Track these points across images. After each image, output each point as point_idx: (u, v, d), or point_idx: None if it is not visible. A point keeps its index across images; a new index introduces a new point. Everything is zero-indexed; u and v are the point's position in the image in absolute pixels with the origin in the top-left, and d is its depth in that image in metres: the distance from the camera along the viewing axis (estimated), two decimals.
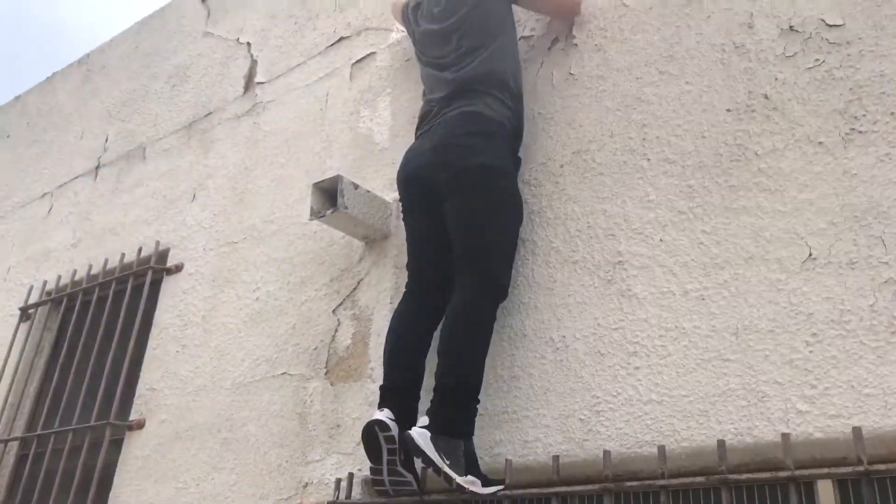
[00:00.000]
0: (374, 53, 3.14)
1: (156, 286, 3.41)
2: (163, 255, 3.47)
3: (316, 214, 2.53)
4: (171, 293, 3.34)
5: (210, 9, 4.14)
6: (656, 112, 2.23)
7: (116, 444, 3.14)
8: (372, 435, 2.01)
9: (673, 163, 2.14)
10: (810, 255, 1.83)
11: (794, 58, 2.04)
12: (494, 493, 1.92)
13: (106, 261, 3.65)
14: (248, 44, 3.75)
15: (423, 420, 1.98)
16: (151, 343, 3.29)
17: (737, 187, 2.01)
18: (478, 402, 2.07)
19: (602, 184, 2.24)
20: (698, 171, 2.09)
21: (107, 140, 4.30)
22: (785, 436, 1.65)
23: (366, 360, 2.51)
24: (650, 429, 1.89)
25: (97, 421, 3.19)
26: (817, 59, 2.00)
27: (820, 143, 1.92)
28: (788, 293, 1.82)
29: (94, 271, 3.70)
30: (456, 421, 1.99)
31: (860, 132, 1.87)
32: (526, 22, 2.66)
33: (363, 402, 2.44)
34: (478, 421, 2.09)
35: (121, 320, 3.37)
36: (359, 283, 2.68)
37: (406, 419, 2.03)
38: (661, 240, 2.07)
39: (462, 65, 2.38)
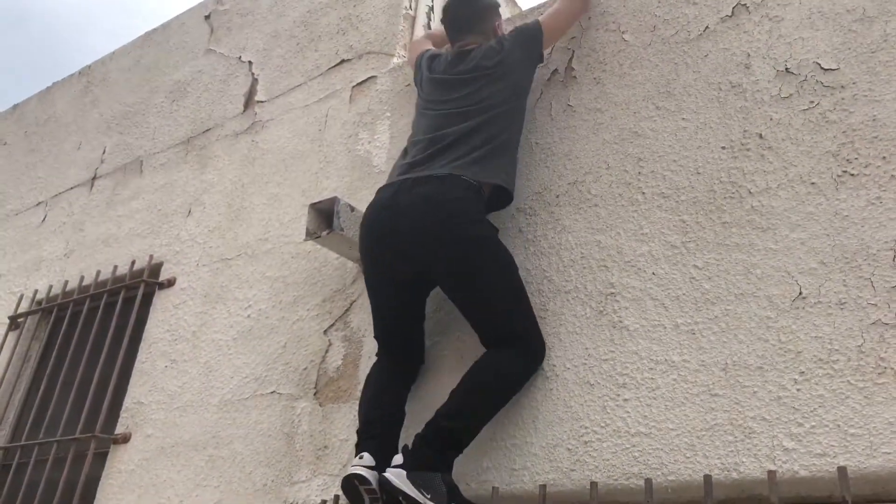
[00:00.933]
0: (374, 77, 3.17)
1: (147, 300, 3.40)
2: (155, 269, 3.47)
3: (311, 235, 2.54)
4: (163, 307, 3.33)
5: (213, 26, 4.17)
6: (652, 146, 2.26)
7: (101, 458, 3.12)
8: (352, 488, 2.00)
9: (667, 197, 2.16)
10: (800, 293, 1.85)
11: (789, 99, 2.08)
12: None
13: (98, 272, 3.65)
14: (250, 62, 3.78)
15: (397, 459, 1.96)
16: (140, 357, 3.28)
17: (730, 224, 2.03)
18: (460, 453, 2.02)
19: (597, 215, 2.26)
20: (692, 207, 2.11)
21: (104, 152, 4.31)
22: (771, 473, 1.66)
23: (355, 381, 2.51)
24: (637, 461, 1.90)
25: (82, 433, 3.17)
26: (812, 102, 2.04)
27: (812, 183, 1.95)
28: (778, 331, 1.84)
29: (85, 282, 3.69)
30: (434, 459, 1.95)
31: (852, 175, 1.90)
32: None
33: (351, 424, 2.44)
34: (466, 448, 2.09)
35: (110, 333, 3.36)
36: (351, 304, 2.68)
37: (387, 459, 2.00)
38: (653, 273, 2.09)
39: (468, 115, 2.29)
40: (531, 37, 2.45)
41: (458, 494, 1.96)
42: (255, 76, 3.69)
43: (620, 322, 2.08)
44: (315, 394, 2.60)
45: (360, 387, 2.49)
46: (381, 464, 1.99)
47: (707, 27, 2.32)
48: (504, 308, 2.11)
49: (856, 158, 1.91)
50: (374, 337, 2.33)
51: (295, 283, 2.90)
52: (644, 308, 2.06)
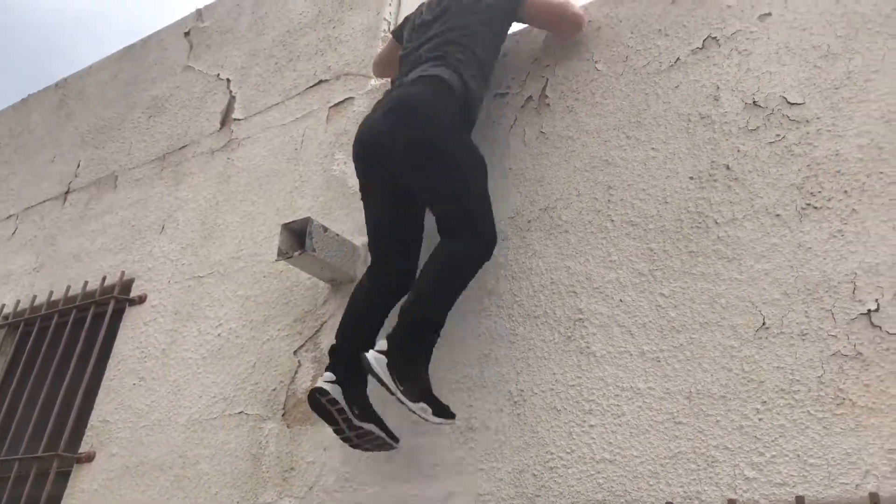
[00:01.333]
0: (351, 98, 3.19)
1: (117, 316, 3.37)
2: (127, 285, 3.44)
3: (283, 255, 2.54)
4: (133, 324, 3.30)
5: (193, 43, 4.17)
6: (622, 175, 2.29)
7: (64, 477, 3.07)
8: (317, 403, 2.10)
9: (636, 225, 2.19)
10: (764, 324, 1.87)
11: (756, 131, 2.12)
12: (442, 424, 2.03)
13: (68, 287, 3.61)
14: (228, 80, 3.78)
15: (382, 344, 2.04)
16: (108, 374, 3.24)
17: (696, 253, 2.06)
18: (437, 335, 2.13)
19: (567, 241, 2.29)
20: (660, 235, 2.14)
21: (78, 166, 4.28)
22: (732, 501, 1.68)
23: None
24: (602, 488, 1.91)
25: (45, 451, 3.12)
26: (778, 135, 2.08)
27: (777, 215, 1.98)
28: (741, 360, 1.86)
29: (54, 297, 3.65)
30: (413, 350, 2.05)
31: (815, 207, 1.93)
32: (501, 79, 2.72)
33: (318, 447, 2.42)
34: (432, 471, 2.09)
35: (78, 349, 3.32)
36: (322, 325, 2.68)
37: (355, 379, 2.13)
38: (620, 300, 2.11)
39: (438, 41, 2.42)
40: None
41: (430, 395, 2.03)
42: (233, 94, 3.69)
43: (588, 348, 2.10)
44: (283, 415, 2.58)
45: None
46: (346, 380, 2.12)
47: (678, 59, 2.36)
48: (459, 197, 2.22)
49: (819, 192, 1.95)
50: (367, 247, 2.42)
51: (266, 302, 2.89)
52: (611, 334, 2.08)
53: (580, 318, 2.15)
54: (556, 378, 2.11)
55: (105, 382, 3.23)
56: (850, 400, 1.70)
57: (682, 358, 1.95)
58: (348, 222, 2.84)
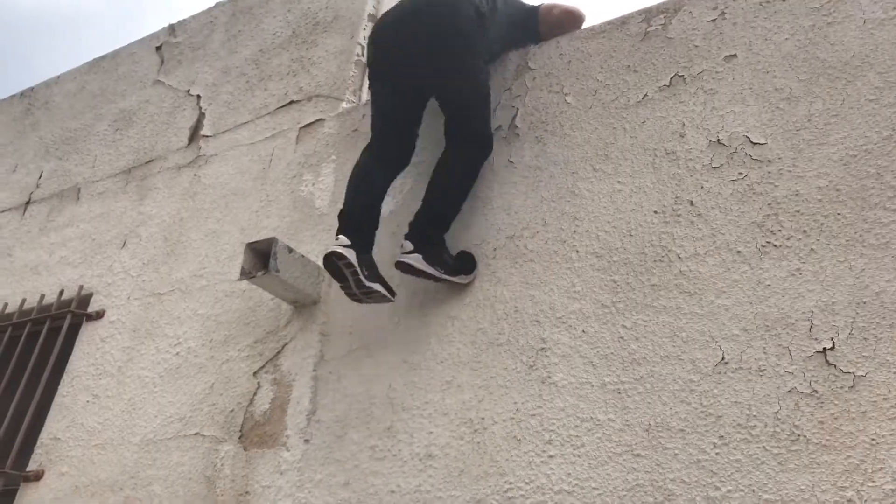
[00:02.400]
0: (322, 120, 3.19)
1: (73, 331, 3.30)
2: (84, 300, 3.37)
3: (246, 275, 2.51)
4: (89, 340, 3.23)
5: (164, 58, 4.15)
6: (588, 206, 2.31)
7: (9, 496, 2.98)
8: (331, 264, 2.28)
9: (600, 257, 2.21)
10: (723, 359, 1.90)
11: (719, 169, 2.16)
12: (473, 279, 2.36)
13: (23, 300, 3.53)
14: (198, 96, 3.76)
15: (407, 245, 2.33)
16: (62, 390, 3.16)
17: (658, 287, 2.08)
18: (447, 230, 2.43)
19: (532, 270, 2.30)
20: (623, 268, 2.16)
21: (41, 176, 4.20)
22: None
23: (282, 427, 2.47)
24: None
25: None
26: (740, 173, 2.12)
27: (738, 252, 2.02)
28: (700, 394, 1.88)
29: (9, 310, 3.56)
30: (436, 239, 2.37)
31: (775, 246, 1.97)
32: None
33: (275, 471, 2.39)
34: (390, 499, 2.07)
35: (31, 363, 3.23)
36: (283, 347, 2.65)
37: (363, 244, 2.35)
38: (583, 331, 2.12)
39: None
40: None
41: (453, 261, 2.38)
42: (203, 110, 3.67)
43: (549, 378, 2.10)
44: (240, 437, 2.54)
45: (287, 432, 2.46)
46: (357, 244, 2.31)
47: (646, 95, 2.41)
48: (475, 115, 2.48)
49: (779, 230, 1.99)
50: (370, 126, 2.59)
51: (227, 322, 2.85)
52: (573, 365, 2.09)
53: (543, 348, 2.15)
54: (517, 407, 2.10)
55: (57, 399, 3.15)
56: (805, 437, 1.72)
57: (643, 390, 1.96)
58: (314, 244, 2.82)
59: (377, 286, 2.32)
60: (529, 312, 2.23)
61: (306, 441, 2.40)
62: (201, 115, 3.66)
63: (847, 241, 1.89)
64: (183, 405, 2.75)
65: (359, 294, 2.32)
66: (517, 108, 2.64)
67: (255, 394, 2.60)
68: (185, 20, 4.25)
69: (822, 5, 2.23)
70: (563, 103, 2.55)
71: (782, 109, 2.15)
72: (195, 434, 2.65)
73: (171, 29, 4.27)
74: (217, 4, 4.17)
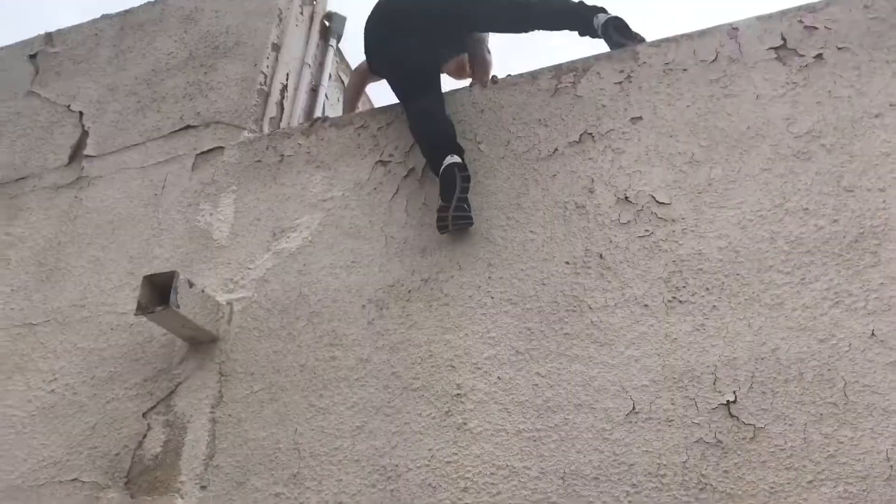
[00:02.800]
0: (222, 148, 3.08)
1: None
2: None
3: (143, 310, 2.37)
4: None
5: (39, 68, 3.86)
6: (502, 254, 2.36)
7: None
8: (450, 175, 2.41)
9: (515, 304, 2.26)
10: (634, 408, 1.98)
11: (627, 225, 2.28)
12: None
13: None
14: (81, 113, 3.52)
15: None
16: None
17: (571, 336, 2.15)
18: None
19: (447, 314, 2.31)
20: (537, 316, 2.22)
21: None
22: None
23: (176, 472, 2.33)
24: None
25: None
26: (647, 230, 2.24)
27: (646, 305, 2.13)
28: (613, 443, 1.96)
29: None
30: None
31: (680, 301, 2.10)
32: (384, 147, 2.75)
33: None
34: None
35: None
36: (177, 386, 2.51)
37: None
38: (499, 377, 2.15)
39: None
40: None
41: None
42: (86, 128, 3.44)
43: (465, 424, 2.11)
44: (126, 483, 2.37)
45: (182, 478, 2.32)
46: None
47: (556, 149, 2.50)
48: None
49: (684, 287, 2.12)
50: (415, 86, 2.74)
51: (113, 357, 2.66)
52: (489, 411, 2.11)
53: (459, 394, 2.16)
54: (432, 454, 2.10)
55: None
56: (712, 485, 1.83)
57: (557, 438, 2.01)
58: (212, 278, 2.71)
59: (470, 213, 2.40)
60: (445, 357, 2.24)
61: (203, 488, 2.28)
62: (84, 134, 3.43)
63: (746, 299, 2.04)
64: (58, 447, 2.53)
65: (453, 216, 2.39)
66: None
67: (144, 436, 2.44)
68: (64, 30, 3.98)
69: (720, 78, 2.42)
70: (476, 151, 2.61)
71: (685, 172, 2.30)
72: (73, 480, 2.44)
73: (49, 37, 3.98)
74: (103, 17, 3.95)
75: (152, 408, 2.49)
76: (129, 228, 2.99)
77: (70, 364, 2.71)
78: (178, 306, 2.36)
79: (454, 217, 2.39)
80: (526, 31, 2.91)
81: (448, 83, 2.97)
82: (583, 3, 2.76)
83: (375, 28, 2.87)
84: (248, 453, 2.29)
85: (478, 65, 3.04)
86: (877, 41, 2.29)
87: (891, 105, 2.17)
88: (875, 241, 1.98)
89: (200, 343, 2.55)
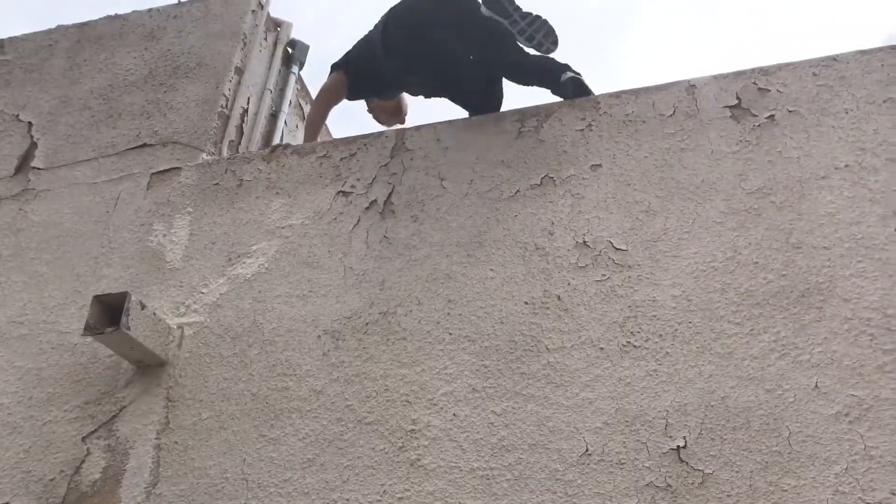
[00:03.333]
0: (178, 168, 3.04)
1: None
2: None
3: (92, 330, 2.30)
4: None
5: None
6: (462, 290, 2.39)
7: None
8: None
9: (473, 341, 2.28)
10: (587, 450, 2.02)
11: (585, 269, 2.33)
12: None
13: None
14: (30, 123, 3.43)
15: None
16: None
17: (527, 375, 2.18)
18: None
19: (404, 349, 2.31)
20: (494, 354, 2.24)
21: None
22: None
23: (115, 499, 2.25)
24: None
25: None
26: (604, 275, 2.30)
27: (601, 349, 2.17)
28: (565, 484, 1.98)
29: None
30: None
31: (635, 346, 2.15)
32: (346, 178, 2.76)
33: None
34: None
35: None
36: (121, 410, 2.43)
37: None
38: (454, 414, 2.16)
39: None
40: None
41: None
42: (35, 140, 3.35)
43: (419, 460, 2.11)
44: None
45: None
46: None
47: (518, 190, 2.55)
48: None
49: (638, 332, 2.17)
50: None
51: (52, 377, 2.57)
52: (443, 448, 2.11)
53: (413, 430, 2.16)
54: (384, 489, 2.08)
55: None
56: None
57: (511, 477, 2.02)
58: (162, 300, 2.65)
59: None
60: (401, 392, 2.23)
61: None
62: (33, 145, 3.34)
63: (697, 347, 2.10)
64: None
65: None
66: (393, 186, 2.69)
67: (82, 461, 2.35)
68: (17, 38, 3.89)
69: (677, 132, 2.52)
70: (439, 187, 2.64)
71: (641, 221, 2.37)
72: None
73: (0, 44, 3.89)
74: (58, 27, 3.87)
75: (93, 432, 2.41)
76: (77, 245, 2.91)
77: (5, 383, 2.60)
78: (128, 328, 2.31)
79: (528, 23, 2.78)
80: (527, 85, 3.05)
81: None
82: (555, 61, 2.88)
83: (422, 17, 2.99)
84: (193, 482, 2.23)
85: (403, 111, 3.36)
86: (824, 107, 2.42)
87: (836, 168, 2.29)
88: (820, 297, 2.08)
89: (148, 367, 2.48)
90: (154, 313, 2.45)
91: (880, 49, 2.49)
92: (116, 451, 2.35)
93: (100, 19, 3.79)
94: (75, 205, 3.05)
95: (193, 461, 2.27)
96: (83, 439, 2.40)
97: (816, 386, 1.95)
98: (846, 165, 2.27)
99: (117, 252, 2.85)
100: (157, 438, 2.34)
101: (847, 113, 2.38)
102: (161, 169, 3.06)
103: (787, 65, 2.55)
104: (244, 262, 2.66)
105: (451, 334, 2.31)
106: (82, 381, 2.54)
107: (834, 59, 2.50)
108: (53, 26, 3.87)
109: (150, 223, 2.90)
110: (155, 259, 2.79)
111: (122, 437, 2.38)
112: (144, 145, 3.17)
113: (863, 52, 2.49)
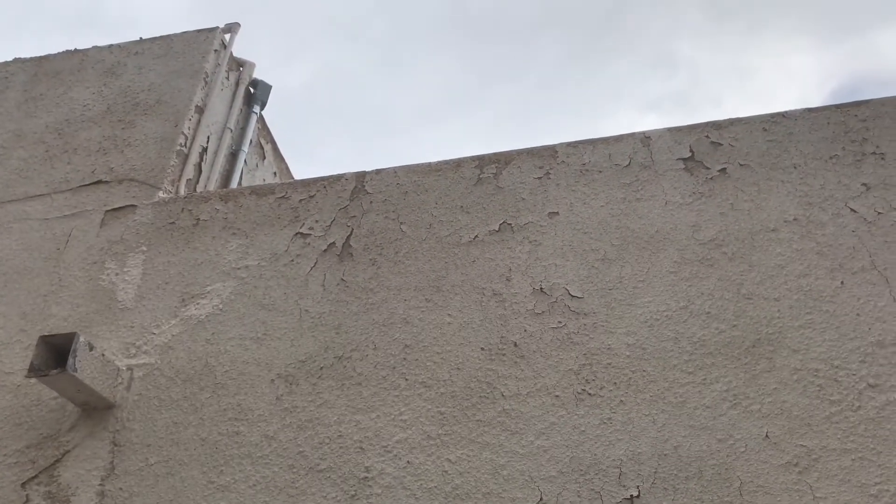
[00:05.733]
0: (134, 206, 3.00)
1: None
2: None
3: (36, 372, 2.23)
4: None
5: None
6: (419, 336, 2.38)
7: None
8: None
9: (428, 387, 2.27)
10: (541, 499, 2.01)
11: (541, 315, 2.34)
12: None
13: None
14: None
15: None
16: None
17: (483, 422, 2.17)
18: None
19: (359, 394, 2.29)
20: (450, 400, 2.23)
21: None
22: None
23: None
24: None
25: None
26: (560, 322, 2.32)
27: (557, 396, 2.18)
28: None
29: None
30: None
31: (590, 394, 2.16)
32: (304, 219, 2.75)
33: None
34: None
35: None
36: (64, 454, 2.35)
37: None
38: (408, 462, 2.14)
39: None
40: None
41: None
42: None
43: None
44: None
45: None
46: None
47: (476, 236, 2.57)
48: None
49: (593, 380, 2.18)
50: None
51: None
52: (396, 497, 2.08)
53: (366, 477, 2.13)
54: None
55: None
56: None
57: None
58: (113, 341, 2.59)
59: None
60: (354, 438, 2.20)
61: None
62: None
63: (651, 396, 2.12)
64: None
65: None
66: (352, 228, 2.69)
67: None
68: None
69: (632, 182, 2.57)
70: (398, 231, 2.64)
71: (597, 269, 2.40)
72: None
73: None
74: (15, 60, 3.83)
75: (33, 477, 2.32)
76: (25, 282, 2.84)
77: None
78: (75, 370, 2.24)
79: None
80: None
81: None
82: None
83: None
84: None
85: None
86: (774, 161, 2.49)
87: (785, 221, 2.35)
88: (770, 348, 2.12)
89: (94, 409, 2.41)
90: (103, 354, 2.39)
91: (826, 108, 2.59)
92: (57, 499, 2.27)
93: (58, 53, 3.76)
94: (24, 241, 2.98)
95: None
96: (22, 485, 2.31)
97: (767, 436, 1.98)
98: (795, 219, 2.34)
99: (67, 290, 2.78)
100: (101, 485, 2.26)
101: (795, 168, 2.45)
102: (116, 206, 3.02)
103: (738, 120, 2.63)
104: (198, 303, 2.62)
105: (406, 380, 2.29)
106: (24, 424, 2.45)
107: (783, 115, 2.59)
108: (10, 59, 3.83)
109: (103, 261, 2.84)
110: (106, 298, 2.73)
111: (64, 484, 2.29)
112: (99, 182, 3.13)
113: (810, 110, 2.59)
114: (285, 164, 4.36)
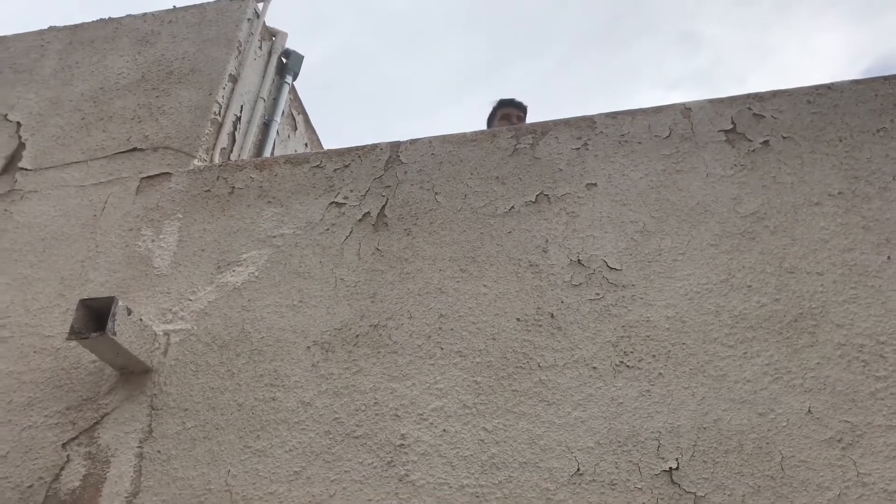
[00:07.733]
0: (169, 174, 3.00)
1: None
2: None
3: (77, 334, 2.25)
4: None
5: None
6: (454, 305, 2.37)
7: None
8: None
9: (464, 356, 2.26)
10: (578, 470, 2.00)
11: (579, 287, 2.32)
12: None
13: None
14: (18, 123, 3.39)
15: None
16: None
17: (519, 392, 2.16)
18: None
19: (395, 363, 2.29)
20: (486, 370, 2.22)
21: None
22: None
23: None
24: None
25: None
26: (598, 294, 2.29)
27: (594, 368, 2.16)
28: (556, 503, 1.96)
29: None
30: None
31: (628, 366, 2.14)
32: (339, 189, 2.74)
33: None
34: None
35: None
36: (103, 417, 2.38)
37: None
38: (444, 430, 2.14)
39: None
40: None
41: None
42: (23, 140, 3.30)
43: (407, 476, 2.08)
44: None
45: None
46: None
47: (513, 207, 2.55)
48: None
49: (632, 352, 2.16)
50: None
51: (33, 382, 2.51)
52: (432, 464, 2.08)
53: (402, 444, 2.13)
54: None
55: None
56: None
57: (501, 496, 2.00)
58: (149, 306, 2.61)
59: None
60: (390, 406, 2.21)
61: None
62: (21, 145, 3.29)
63: (691, 369, 2.10)
64: None
65: None
66: (387, 198, 2.67)
67: (62, 468, 2.30)
68: (8, 37, 3.85)
69: (672, 153, 2.53)
70: (433, 201, 2.63)
71: (636, 241, 2.37)
72: None
73: None
74: (50, 28, 3.84)
75: (73, 438, 2.35)
76: (63, 248, 2.87)
77: None
78: (114, 333, 2.26)
79: None
80: None
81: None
82: None
83: None
84: (175, 493, 2.19)
85: None
86: (818, 134, 2.44)
87: (829, 195, 2.30)
88: (813, 322, 2.08)
89: (132, 373, 2.44)
90: (140, 319, 2.41)
91: (874, 79, 2.52)
92: (97, 459, 2.30)
93: (93, 22, 3.76)
94: (62, 207, 3.01)
95: (176, 471, 2.23)
96: (63, 446, 2.35)
97: (809, 411, 1.95)
98: (840, 192, 2.29)
99: (104, 256, 2.81)
100: (139, 447, 2.29)
101: (841, 141, 2.40)
102: (151, 174, 3.03)
103: (781, 91, 2.57)
104: (234, 271, 2.63)
105: (442, 349, 2.29)
106: (64, 386, 2.48)
107: (829, 87, 2.53)
108: (45, 27, 3.85)
109: (139, 228, 2.86)
110: (142, 264, 2.75)
111: (104, 445, 2.32)
112: (135, 149, 3.14)
113: (857, 82, 2.52)
114: (316, 135, 4.35)
